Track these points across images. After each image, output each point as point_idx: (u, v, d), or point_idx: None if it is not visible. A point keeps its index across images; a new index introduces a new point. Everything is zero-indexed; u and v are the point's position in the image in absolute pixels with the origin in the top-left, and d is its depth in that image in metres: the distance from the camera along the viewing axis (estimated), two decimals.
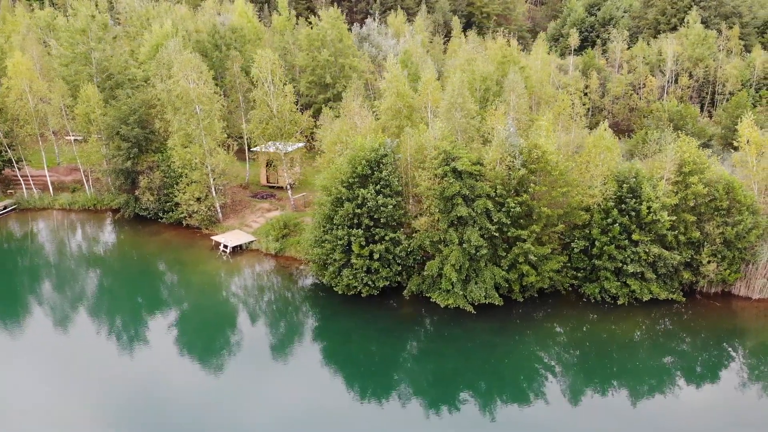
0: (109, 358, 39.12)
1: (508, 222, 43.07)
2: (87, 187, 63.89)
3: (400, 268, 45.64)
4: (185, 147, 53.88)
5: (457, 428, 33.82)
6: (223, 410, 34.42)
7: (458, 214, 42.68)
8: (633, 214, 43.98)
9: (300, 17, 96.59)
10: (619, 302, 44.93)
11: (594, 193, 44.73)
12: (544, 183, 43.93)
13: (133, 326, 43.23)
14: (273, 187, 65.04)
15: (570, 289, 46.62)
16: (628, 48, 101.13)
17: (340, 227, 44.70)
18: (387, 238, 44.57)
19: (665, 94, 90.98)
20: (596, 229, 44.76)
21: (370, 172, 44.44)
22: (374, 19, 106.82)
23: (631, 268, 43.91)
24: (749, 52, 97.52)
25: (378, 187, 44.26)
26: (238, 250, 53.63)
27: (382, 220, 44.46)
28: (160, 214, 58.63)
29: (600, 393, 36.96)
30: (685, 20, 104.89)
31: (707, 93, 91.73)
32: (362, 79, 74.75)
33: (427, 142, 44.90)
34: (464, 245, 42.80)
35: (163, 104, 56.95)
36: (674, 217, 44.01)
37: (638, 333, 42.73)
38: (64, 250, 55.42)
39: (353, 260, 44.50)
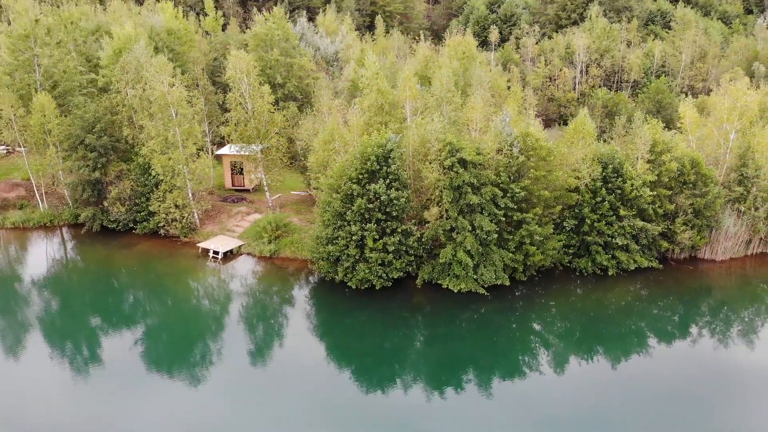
0: (157, 387, 37.47)
1: (514, 206, 45.84)
2: (39, 203, 59.62)
3: (411, 259, 47.11)
4: (163, 153, 51.98)
5: (486, 402, 35.45)
6: (267, 404, 34.45)
7: (468, 202, 44.88)
8: (618, 192, 48.24)
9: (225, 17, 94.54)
10: (609, 273, 49.10)
11: (582, 175, 48.49)
12: (541, 168, 47.04)
13: (158, 347, 41.29)
14: (240, 190, 64.03)
15: (561, 265, 50.22)
16: (537, 43, 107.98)
17: (353, 223, 45.46)
18: (399, 230, 45.91)
19: (578, 85, 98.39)
20: (587, 208, 48.58)
21: (378, 167, 45.51)
22: (252, 18, 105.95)
23: (619, 241, 48.20)
24: (645, 42, 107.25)
25: (388, 181, 45.45)
26: (228, 255, 52.63)
27: (393, 213, 45.69)
28: (132, 225, 56.11)
29: (617, 354, 40.44)
30: (585, 15, 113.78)
31: (614, 81, 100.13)
32: (310, 78, 75.11)
33: (430, 135, 46.62)
34: (476, 231, 45.10)
35: (131, 110, 54.52)
36: (654, 193, 48.72)
37: (632, 298, 47.03)
38: (38, 273, 50.70)
39: (368, 254, 45.43)
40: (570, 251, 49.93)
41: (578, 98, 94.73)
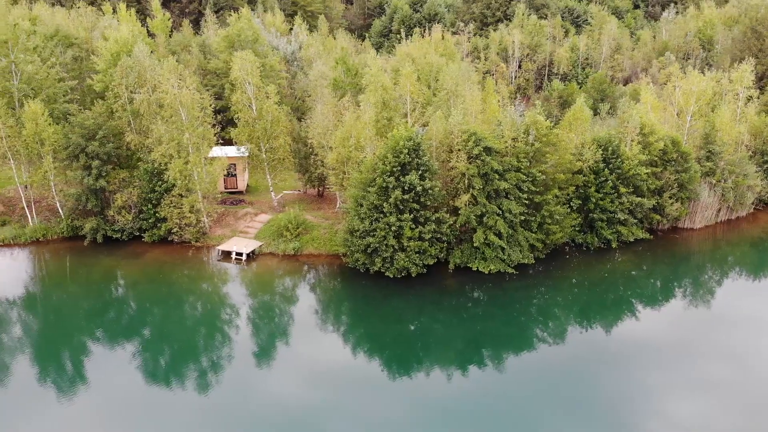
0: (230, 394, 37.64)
1: (536, 189, 49.48)
2: (29, 217, 56.46)
3: (444, 245, 49.58)
4: (179, 157, 51.20)
5: (519, 378, 38.13)
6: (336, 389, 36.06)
7: (495, 188, 48.03)
8: (618, 171, 53.14)
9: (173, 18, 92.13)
10: (612, 246, 54.01)
11: (586, 158, 52.96)
12: (553, 153, 50.95)
13: (228, 349, 41.01)
14: (233, 192, 63.64)
15: (573, 242, 54.63)
16: (468, 40, 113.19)
17: (389, 214, 47.28)
18: (433, 218, 48.26)
19: (514, 78, 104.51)
20: (592, 188, 53.14)
21: (410, 159, 47.56)
22: (206, 20, 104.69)
23: (620, 216, 53.21)
24: (567, 38, 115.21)
25: (420, 172, 47.63)
26: (250, 256, 52.70)
27: (427, 203, 47.94)
28: (137, 233, 54.66)
29: (648, 318, 45.21)
30: (509, 13, 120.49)
31: (545, 74, 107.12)
32: (281, 78, 75.39)
33: (453, 127, 49.26)
34: (505, 215, 48.34)
35: (132, 115, 53.11)
36: (648, 170, 54.06)
37: (643, 265, 52.36)
38: (59, 293, 47.95)
39: (406, 243, 47.44)
40: (576, 228, 54.33)
41: (516, 91, 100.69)
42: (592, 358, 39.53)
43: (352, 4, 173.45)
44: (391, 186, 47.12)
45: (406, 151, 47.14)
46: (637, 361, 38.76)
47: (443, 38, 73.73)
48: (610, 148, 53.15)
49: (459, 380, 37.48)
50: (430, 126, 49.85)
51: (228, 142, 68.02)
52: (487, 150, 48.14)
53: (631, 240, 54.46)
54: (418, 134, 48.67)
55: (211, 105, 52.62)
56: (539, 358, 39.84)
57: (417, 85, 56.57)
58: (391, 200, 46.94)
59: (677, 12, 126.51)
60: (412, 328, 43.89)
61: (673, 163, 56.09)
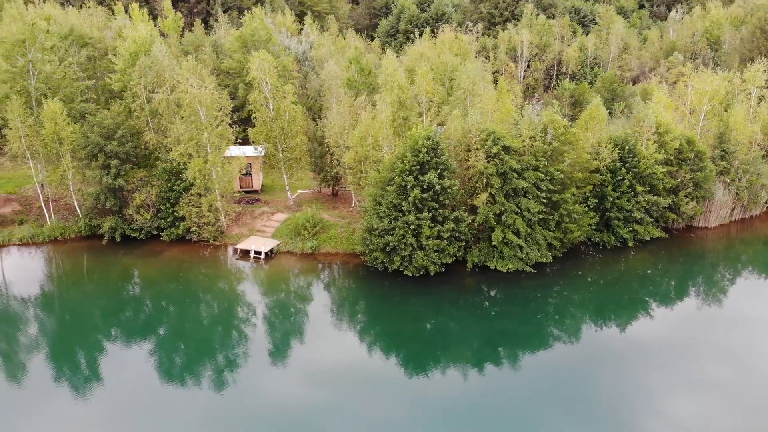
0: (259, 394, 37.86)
1: (554, 188, 49.70)
2: (47, 216, 56.72)
3: (462, 244, 49.82)
4: (199, 156, 51.45)
5: (537, 377, 38.24)
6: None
7: (514, 186, 48.27)
8: (635, 170, 53.36)
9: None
10: (629, 245, 54.22)
11: (603, 156, 53.19)
12: (570, 152, 51.15)
13: (256, 345, 41.21)
14: (249, 191, 63.91)
15: (589, 241, 54.83)
16: (476, 40, 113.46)
17: (408, 213, 47.51)
18: (451, 217, 48.51)
19: (522, 78, 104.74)
20: (608, 187, 53.36)
21: (429, 158, 47.79)
22: (216, 19, 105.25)
23: (636, 215, 53.42)
24: (576, 37, 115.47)
25: (438, 171, 47.86)
26: (269, 255, 52.95)
27: (446, 202, 48.18)
28: (156, 232, 54.95)
29: (666, 317, 45.44)
30: (517, 12, 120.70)
31: (553, 74, 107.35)
32: (293, 78, 75.63)
33: (471, 126, 49.49)
34: (523, 213, 48.57)
35: (150, 114, 53.36)
36: (665, 169, 54.29)
37: (659, 264, 52.42)
38: (83, 291, 48.32)
39: (425, 242, 47.68)
40: (593, 227, 54.54)
41: (525, 90, 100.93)
42: (609, 358, 39.59)
43: (357, 4, 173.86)
44: (410, 185, 47.34)
45: (424, 150, 47.37)
46: (652, 360, 38.80)
47: (456, 38, 73.90)
48: (627, 147, 53.37)
49: (476, 379, 37.55)
50: (448, 125, 50.07)
51: (243, 141, 68.30)
52: (506, 149, 48.38)
53: (647, 239, 54.68)
54: (437, 133, 48.91)
55: (229, 104, 52.81)
56: (557, 357, 39.92)
57: (432, 84, 56.78)
58: (410, 199, 47.17)
59: (685, 12, 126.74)
60: (430, 326, 44.02)
61: (688, 162, 56.30)
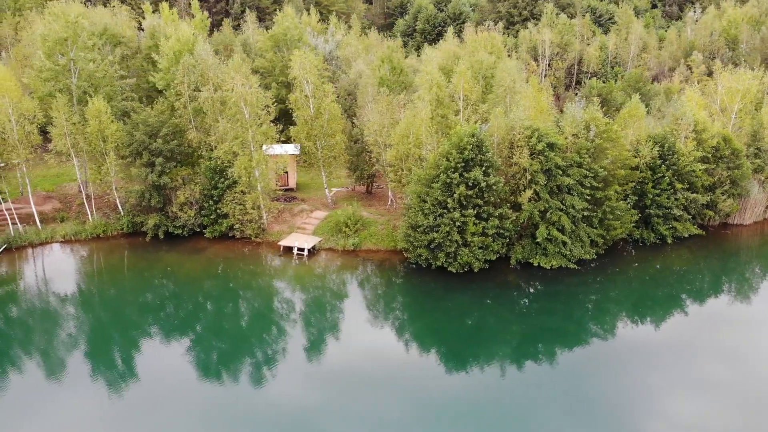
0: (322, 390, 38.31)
1: (598, 185, 50.16)
2: (89, 213, 57.24)
3: (506, 240, 50.28)
4: (244, 154, 51.94)
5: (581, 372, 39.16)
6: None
7: (559, 183, 48.74)
8: (674, 167, 53.82)
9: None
10: (668, 242, 54.69)
11: (643, 154, 53.67)
12: (612, 149, 51.62)
13: (312, 339, 41.77)
14: (285, 189, 64.40)
15: (630, 237, 55.29)
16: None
17: (453, 210, 47.96)
18: (496, 214, 48.96)
19: (544, 77, 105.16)
20: (649, 184, 53.83)
21: (473, 155, 48.24)
22: (245, 19, 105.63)
23: (676, 212, 53.89)
24: (595, 36, 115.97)
25: (483, 168, 48.31)
26: (312, 251, 53.44)
27: (491, 199, 48.65)
28: (199, 229, 55.46)
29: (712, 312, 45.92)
30: (536, 12, 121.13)
31: (574, 72, 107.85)
32: (324, 76, 76.02)
33: (514, 123, 49.95)
34: (568, 210, 49.03)
35: (194, 113, 53.85)
36: (704, 167, 54.76)
37: (697, 261, 52.92)
38: (117, 287, 49.02)
39: (470, 239, 48.14)
40: (633, 224, 54.98)
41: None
42: (648, 354, 39.89)
43: (372, 3, 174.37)
44: (455, 182, 47.78)
45: (469, 147, 47.82)
46: (689, 358, 39.18)
47: (489, 35, 74.38)
48: (666, 145, 53.83)
49: (514, 375, 38.20)
50: (491, 122, 50.53)
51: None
52: (550, 146, 48.85)
53: (685, 236, 55.15)
54: (481, 130, 49.38)
55: (274, 103, 53.28)
56: (595, 353, 40.33)
57: (471, 82, 57.24)
58: (456, 196, 47.60)
59: (701, 12, 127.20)
60: (473, 322, 44.48)
61: (724, 159, 56.75)
